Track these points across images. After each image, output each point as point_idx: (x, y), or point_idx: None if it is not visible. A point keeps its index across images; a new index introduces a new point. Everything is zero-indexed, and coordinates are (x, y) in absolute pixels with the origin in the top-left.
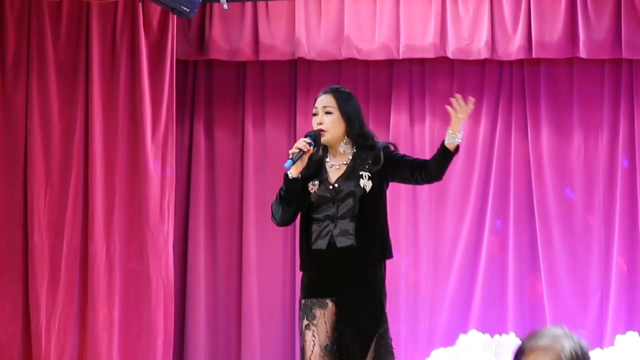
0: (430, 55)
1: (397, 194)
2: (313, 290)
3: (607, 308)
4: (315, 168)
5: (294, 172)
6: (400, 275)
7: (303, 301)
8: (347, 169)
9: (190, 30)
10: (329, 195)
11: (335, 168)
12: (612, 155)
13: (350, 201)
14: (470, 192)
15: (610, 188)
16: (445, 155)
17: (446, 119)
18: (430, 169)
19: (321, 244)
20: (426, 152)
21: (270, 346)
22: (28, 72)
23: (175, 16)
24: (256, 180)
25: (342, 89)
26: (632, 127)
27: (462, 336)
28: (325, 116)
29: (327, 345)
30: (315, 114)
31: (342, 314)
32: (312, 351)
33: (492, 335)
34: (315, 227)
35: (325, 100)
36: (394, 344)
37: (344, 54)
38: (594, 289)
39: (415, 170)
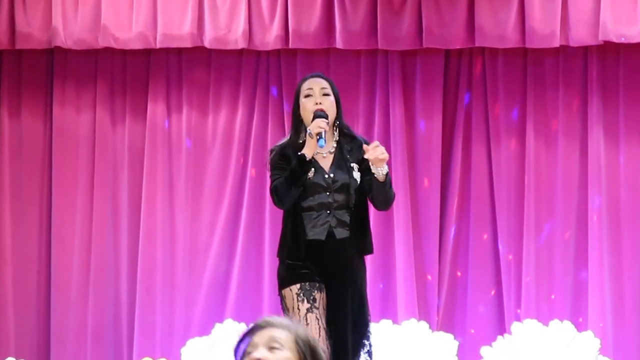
0: (188, 44)
1: (155, 186)
2: (310, 275)
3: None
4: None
5: (309, 153)
6: (156, 267)
7: (299, 285)
8: (335, 157)
9: None
10: (324, 184)
11: (321, 156)
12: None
13: (346, 192)
14: (227, 183)
15: None
16: (378, 187)
17: (203, 109)
18: (374, 203)
19: (319, 233)
20: (182, 144)
21: (25, 336)
22: None
23: None
24: (12, 169)
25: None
26: (387, 117)
27: (217, 325)
28: (323, 97)
29: (326, 328)
30: (309, 95)
31: (334, 306)
32: (319, 334)
33: (247, 325)
34: (308, 216)
35: (321, 83)
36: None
37: (101, 42)
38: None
39: (366, 191)
